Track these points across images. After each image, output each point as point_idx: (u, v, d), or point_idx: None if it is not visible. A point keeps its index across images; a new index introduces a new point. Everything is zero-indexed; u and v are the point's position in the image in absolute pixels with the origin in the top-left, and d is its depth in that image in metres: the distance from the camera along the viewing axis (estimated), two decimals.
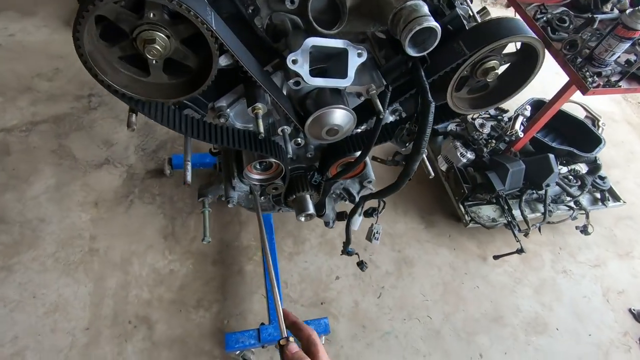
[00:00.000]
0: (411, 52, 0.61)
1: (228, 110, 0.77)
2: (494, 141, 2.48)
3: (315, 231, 2.36)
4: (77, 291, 1.92)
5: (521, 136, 2.39)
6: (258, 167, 0.88)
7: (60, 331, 1.80)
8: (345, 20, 0.65)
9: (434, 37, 0.60)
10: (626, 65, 1.61)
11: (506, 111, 2.92)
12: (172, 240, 2.19)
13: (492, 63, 0.72)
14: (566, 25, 1.70)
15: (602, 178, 2.69)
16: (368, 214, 1.09)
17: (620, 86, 1.56)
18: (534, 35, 0.69)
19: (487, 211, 2.46)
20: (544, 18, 1.73)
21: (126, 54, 0.57)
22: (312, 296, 2.14)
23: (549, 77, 2.61)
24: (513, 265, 2.48)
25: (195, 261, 2.14)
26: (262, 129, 0.67)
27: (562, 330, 2.26)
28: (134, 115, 0.64)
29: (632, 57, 1.61)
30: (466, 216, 2.38)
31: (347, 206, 1.37)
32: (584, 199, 2.61)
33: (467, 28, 0.71)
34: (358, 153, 0.85)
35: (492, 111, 2.89)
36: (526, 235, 2.39)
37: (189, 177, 0.74)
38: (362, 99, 0.76)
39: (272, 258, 1.93)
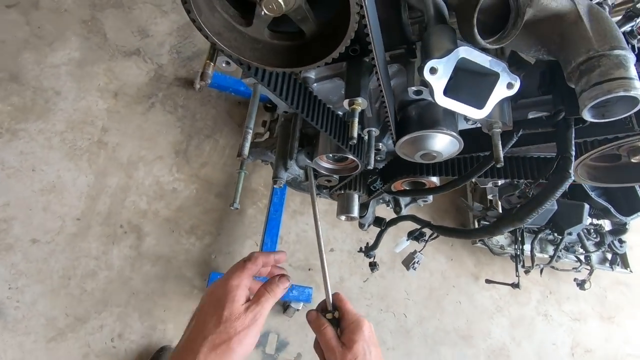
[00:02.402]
0: (588, 117, 0.46)
1: (315, 84, 0.63)
2: None
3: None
4: (76, 178, 1.86)
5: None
6: (331, 156, 0.75)
7: (52, 213, 1.77)
8: (512, 35, 0.49)
9: (628, 108, 0.45)
10: None
11: None
12: (183, 158, 2.10)
13: None
14: None
15: (621, 242, 2.59)
16: (415, 237, 0.99)
17: None
18: None
19: (499, 237, 2.39)
20: None
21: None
22: (303, 259, 2.13)
23: None
24: (501, 293, 2.48)
25: (200, 187, 2.07)
26: (356, 133, 0.54)
27: None
28: (211, 65, 0.49)
29: None
30: None
31: (386, 211, 1.27)
32: (595, 256, 2.54)
33: None
34: (435, 178, 0.73)
35: None
36: (527, 272, 2.34)
37: (246, 149, 0.61)
38: (475, 125, 0.62)
39: (277, 216, 1.87)
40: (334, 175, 0.77)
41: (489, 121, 0.57)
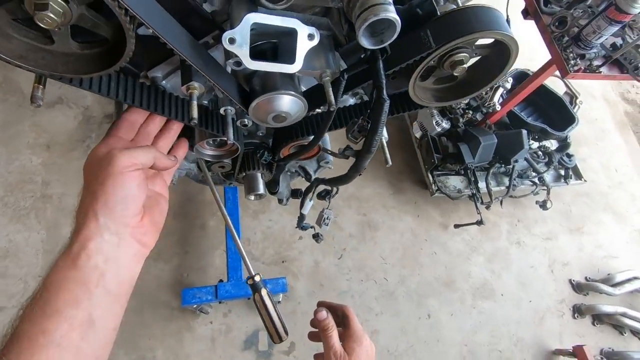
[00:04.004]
0: (365, 43, 0.53)
1: (164, 82, 0.68)
2: (471, 112, 2.44)
3: None
4: (28, 237, 1.86)
5: (498, 109, 2.35)
6: (211, 142, 0.80)
7: (12, 277, 1.77)
8: None
9: (393, 30, 0.52)
10: (611, 49, 1.54)
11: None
12: None
13: (462, 56, 0.65)
14: None
15: (569, 156, 2.73)
16: (321, 196, 1.05)
17: (600, 72, 1.51)
18: (509, 32, 0.62)
19: (455, 182, 2.49)
20: None
21: (17, 18, 0.46)
22: (274, 254, 2.18)
23: (537, 45, 2.52)
24: (472, 234, 2.58)
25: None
26: (195, 114, 0.59)
27: (506, 296, 2.42)
28: (40, 88, 0.54)
29: (619, 41, 1.54)
30: (433, 185, 2.40)
31: (304, 183, 1.33)
32: (548, 176, 2.68)
33: (438, 14, 0.63)
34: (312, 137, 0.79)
35: None
36: (488, 207, 2.46)
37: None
38: None
39: (235, 219, 1.91)
40: (225, 160, 0.83)
41: (318, 72, 0.64)
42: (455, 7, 0.66)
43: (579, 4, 1.50)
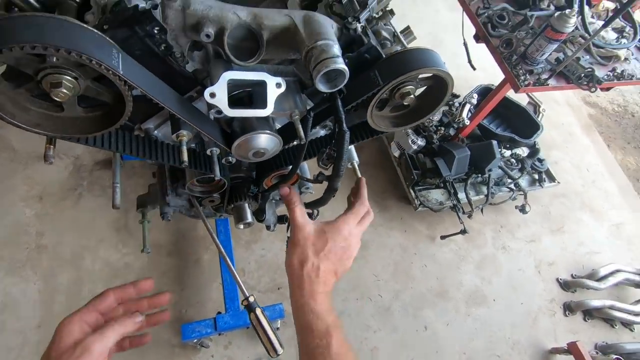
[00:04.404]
0: (322, 88, 0.64)
1: (156, 132, 0.78)
2: (443, 128, 2.60)
3: None
4: (25, 289, 1.88)
5: (467, 123, 2.51)
6: (200, 180, 0.90)
7: (11, 331, 1.78)
8: (262, 52, 0.67)
9: (343, 78, 0.63)
10: (555, 63, 1.72)
11: (457, 96, 3.04)
12: (125, 233, 2.17)
13: (408, 89, 0.77)
14: (505, 22, 1.78)
15: (540, 160, 2.89)
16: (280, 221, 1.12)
17: (548, 84, 1.68)
18: (443, 68, 0.74)
19: (436, 195, 2.61)
20: (486, 14, 1.80)
21: (34, 94, 0.56)
22: (269, 282, 2.23)
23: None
24: (459, 244, 2.68)
25: (151, 253, 2.14)
26: (185, 158, 0.69)
27: (499, 301, 2.50)
28: (51, 147, 0.63)
29: (561, 56, 1.72)
30: (416, 200, 2.51)
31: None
32: (524, 181, 2.82)
33: (383, 56, 0.75)
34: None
35: None
36: (470, 216, 2.57)
37: (117, 200, 0.75)
38: None
39: (228, 250, 1.97)
40: (214, 195, 0.92)
41: (288, 112, 0.75)
42: (398, 49, 0.79)
43: (522, 27, 1.68)
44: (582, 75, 1.67)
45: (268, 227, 1.22)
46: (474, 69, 2.47)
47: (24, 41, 0.46)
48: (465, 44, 2.24)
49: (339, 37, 0.71)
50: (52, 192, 2.17)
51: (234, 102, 0.69)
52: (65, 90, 0.54)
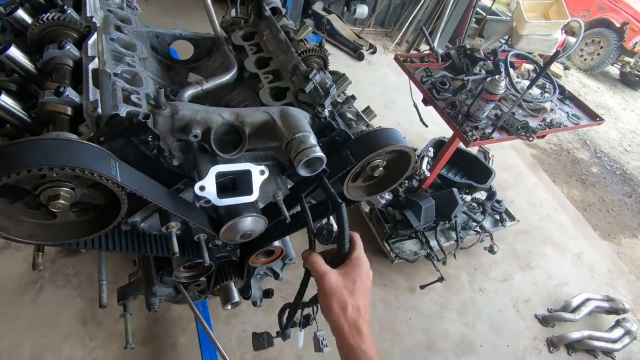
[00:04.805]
0: (303, 173, 0.71)
1: (142, 224, 0.80)
2: (406, 181, 2.76)
3: None
4: None
5: (428, 175, 2.69)
6: (187, 266, 0.90)
7: None
8: (246, 145, 0.74)
9: (321, 163, 0.71)
10: (495, 119, 1.96)
11: (415, 149, 3.27)
12: (93, 324, 2.01)
13: (377, 162, 0.86)
14: (447, 87, 2.02)
15: (498, 202, 3.11)
16: (304, 323, 1.03)
17: (493, 137, 1.90)
18: (405, 143, 0.85)
19: (410, 245, 2.69)
20: (429, 81, 2.04)
21: (30, 207, 0.58)
22: (253, 359, 2.11)
23: None
24: (438, 292, 2.72)
25: (121, 343, 1.98)
26: (176, 249, 0.71)
27: (486, 347, 2.50)
28: (40, 255, 0.64)
29: (499, 112, 1.97)
30: (391, 253, 2.56)
31: (272, 282, 1.42)
32: (487, 223, 2.99)
33: (352, 137, 0.85)
34: (276, 243, 0.93)
35: None
36: (444, 263, 2.65)
37: (104, 299, 0.74)
38: None
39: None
40: (200, 279, 0.92)
41: (270, 195, 0.80)
42: (364, 129, 0.89)
43: (462, 90, 1.92)
44: (519, 127, 1.90)
45: (254, 304, 1.21)
46: (426, 126, 2.72)
47: (31, 165, 0.49)
48: (415, 106, 2.49)
49: (311, 125, 0.80)
50: (9, 288, 2.00)
51: (219, 190, 0.74)
52: (62, 201, 0.57)
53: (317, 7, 5.05)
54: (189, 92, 0.96)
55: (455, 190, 2.70)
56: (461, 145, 2.90)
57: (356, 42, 4.99)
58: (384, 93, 4.46)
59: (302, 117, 0.76)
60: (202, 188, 0.69)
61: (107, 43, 0.94)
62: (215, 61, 1.30)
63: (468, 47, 2.24)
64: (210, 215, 0.82)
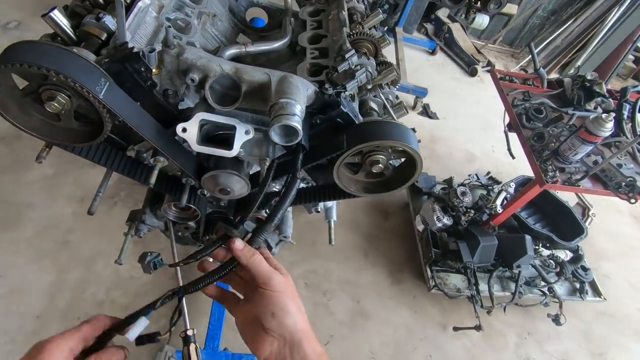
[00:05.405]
0: (276, 140, 0.68)
1: (145, 154, 0.87)
2: (472, 211, 2.48)
3: None
4: (39, 279, 2.03)
5: (499, 212, 2.38)
6: (175, 205, 0.96)
7: (13, 314, 1.90)
8: (239, 101, 0.74)
9: (296, 135, 0.67)
10: (592, 165, 1.61)
11: (498, 182, 2.92)
12: (142, 247, 2.27)
13: (378, 157, 0.78)
14: (542, 116, 1.74)
15: (584, 269, 2.60)
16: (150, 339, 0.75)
17: (579, 186, 1.57)
18: (410, 145, 0.74)
19: (455, 280, 2.43)
20: (523, 105, 1.78)
21: (37, 103, 0.68)
22: None
23: None
24: (473, 340, 2.41)
25: (156, 271, 2.21)
26: (153, 180, 0.76)
27: None
28: (46, 150, 0.74)
29: (599, 159, 1.61)
30: (431, 280, 2.35)
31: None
32: (561, 287, 2.53)
33: (356, 123, 0.78)
34: (265, 212, 0.92)
35: (483, 180, 2.91)
36: (489, 312, 2.33)
37: (94, 208, 0.84)
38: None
39: (218, 329, 1.93)
40: (189, 223, 0.97)
41: (256, 159, 0.80)
42: (373, 119, 0.82)
43: (556, 123, 1.63)
44: (623, 183, 1.54)
45: None
46: (513, 157, 2.40)
47: (25, 61, 0.57)
48: (505, 132, 2.21)
49: (313, 100, 0.76)
50: (93, 197, 2.40)
51: (210, 140, 0.75)
52: (56, 104, 0.64)
53: (442, 13, 4.81)
54: (231, 51, 0.99)
55: (528, 238, 2.33)
56: (557, 192, 2.50)
57: (473, 56, 4.62)
58: (485, 115, 4.06)
59: (300, 86, 0.72)
60: (184, 130, 0.71)
61: None
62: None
63: (589, 77, 1.88)
64: (201, 164, 0.85)
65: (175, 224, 1.01)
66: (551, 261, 2.56)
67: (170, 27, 0.71)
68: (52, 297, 2.00)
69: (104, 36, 0.77)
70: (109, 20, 0.76)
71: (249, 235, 0.68)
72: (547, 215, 2.68)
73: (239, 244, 0.69)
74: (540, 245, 2.56)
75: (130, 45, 0.68)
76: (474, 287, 2.33)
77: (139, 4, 0.83)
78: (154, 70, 0.71)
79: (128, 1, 0.85)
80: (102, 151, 0.77)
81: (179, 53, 0.72)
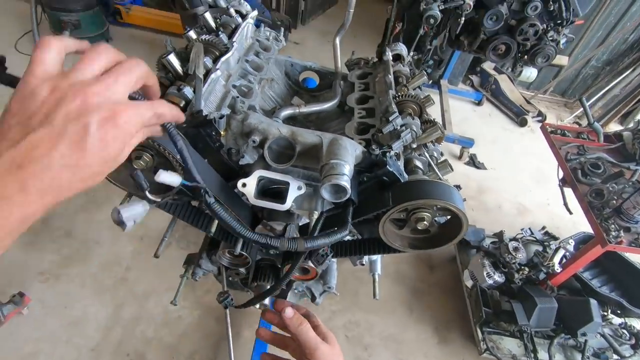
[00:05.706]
0: (326, 197, 0.74)
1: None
2: (526, 269, 2.32)
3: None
4: (98, 312, 2.18)
5: (558, 270, 2.21)
6: (231, 252, 1.03)
7: (72, 345, 2.04)
8: (293, 160, 0.82)
9: (345, 193, 0.72)
10: None
11: (556, 238, 2.74)
12: (190, 287, 2.39)
13: (423, 215, 0.81)
14: (600, 171, 1.66)
15: None
16: None
17: None
18: (455, 204, 0.76)
19: (510, 344, 2.23)
20: (578, 160, 1.71)
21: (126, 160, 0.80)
22: None
23: None
24: None
25: (201, 313, 2.29)
26: (213, 229, 0.83)
27: None
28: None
29: None
30: (482, 343, 2.18)
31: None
32: None
33: (401, 181, 0.82)
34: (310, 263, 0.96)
35: (538, 235, 2.74)
36: None
37: (160, 251, 0.93)
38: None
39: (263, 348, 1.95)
40: (240, 269, 1.02)
41: (306, 212, 0.85)
42: (420, 178, 0.85)
43: (617, 179, 1.54)
44: None
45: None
46: (571, 213, 2.26)
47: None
48: (560, 186, 2.12)
49: (361, 159, 0.82)
50: (151, 236, 2.59)
51: (262, 193, 0.83)
52: (141, 162, 0.76)
53: (487, 65, 4.86)
54: (286, 112, 1.11)
55: (594, 302, 2.11)
56: (628, 255, 2.29)
57: (522, 106, 4.55)
58: (539, 168, 3.89)
59: (349, 147, 0.79)
60: (244, 185, 0.79)
61: (242, 63, 1.18)
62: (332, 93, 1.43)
63: None
64: (255, 215, 0.92)
65: (227, 269, 1.07)
66: (624, 331, 2.29)
67: (238, 96, 0.83)
68: (107, 330, 2.12)
69: (182, 104, 0.91)
70: (188, 91, 0.90)
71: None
72: (616, 277, 2.42)
73: (289, 312, 0.76)
74: (610, 311, 2.30)
75: (204, 112, 0.79)
76: (532, 355, 2.11)
77: (212, 75, 0.97)
78: (222, 132, 0.82)
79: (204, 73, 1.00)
80: (175, 203, 0.88)
81: (244, 118, 0.83)
